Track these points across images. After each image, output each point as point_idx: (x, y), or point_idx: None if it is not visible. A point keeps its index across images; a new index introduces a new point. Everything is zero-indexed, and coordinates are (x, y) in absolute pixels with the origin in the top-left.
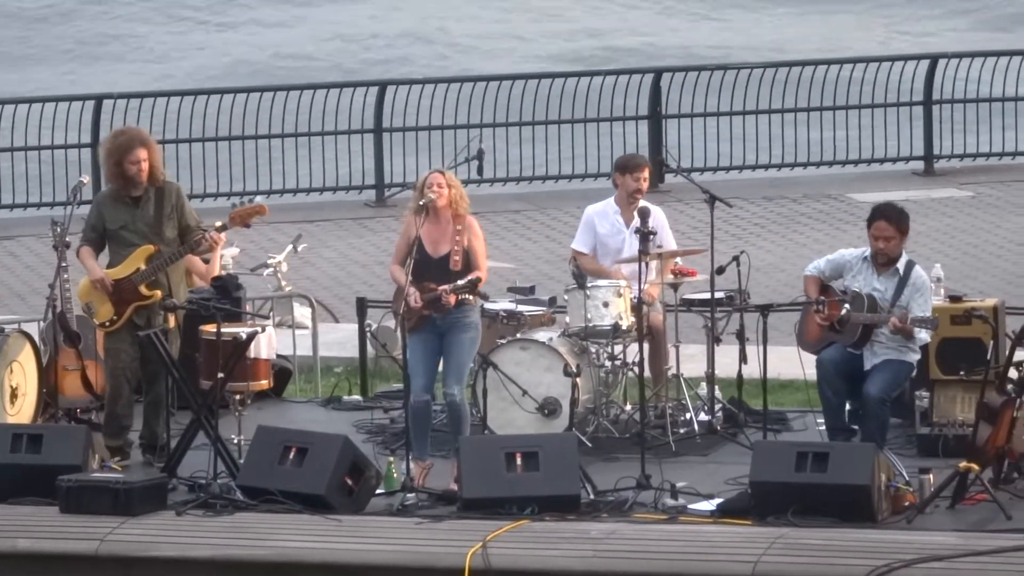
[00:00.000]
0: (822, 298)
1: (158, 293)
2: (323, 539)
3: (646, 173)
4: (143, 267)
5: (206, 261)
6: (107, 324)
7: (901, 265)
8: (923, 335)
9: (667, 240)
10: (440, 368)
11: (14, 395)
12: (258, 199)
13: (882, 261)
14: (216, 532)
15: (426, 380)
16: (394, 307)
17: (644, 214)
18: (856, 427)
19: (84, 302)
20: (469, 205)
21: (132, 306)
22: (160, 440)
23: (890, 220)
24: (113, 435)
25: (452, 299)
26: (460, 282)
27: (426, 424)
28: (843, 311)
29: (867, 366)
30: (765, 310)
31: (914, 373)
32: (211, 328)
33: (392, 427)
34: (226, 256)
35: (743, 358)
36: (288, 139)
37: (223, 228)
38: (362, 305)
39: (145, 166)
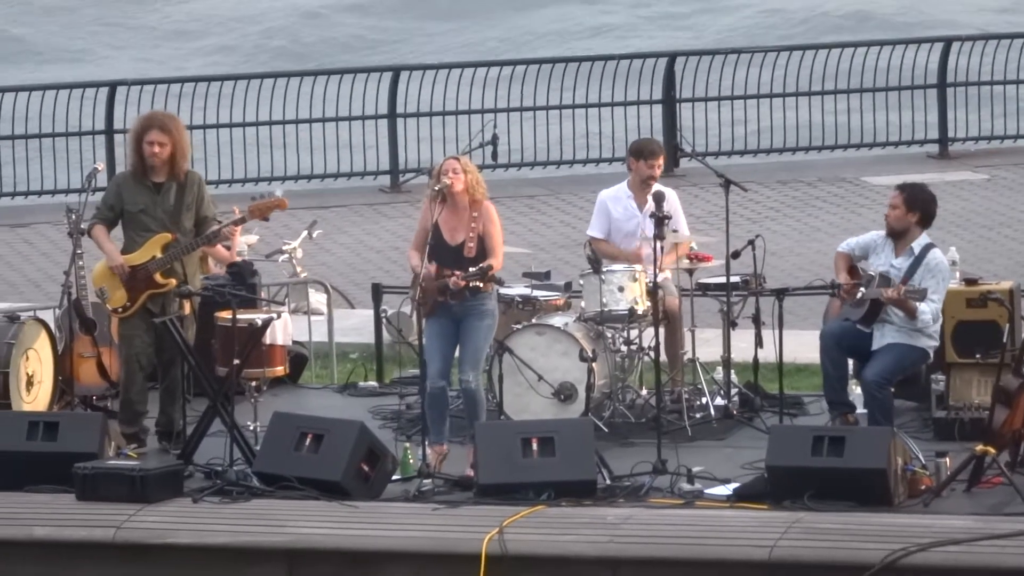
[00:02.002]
0: (835, 281)
1: (172, 282)
2: (339, 525)
3: (660, 161)
4: (159, 255)
5: (227, 248)
6: (120, 310)
7: (918, 246)
8: (925, 317)
9: (680, 224)
10: (456, 354)
11: (30, 383)
12: (275, 187)
13: (887, 232)
14: (232, 519)
15: (442, 366)
16: (411, 293)
17: (659, 198)
18: (855, 405)
19: (98, 286)
20: (486, 190)
21: (146, 293)
22: (176, 427)
23: (902, 190)
24: (128, 422)
25: (461, 284)
26: (472, 270)
27: (442, 410)
28: (859, 294)
29: (874, 347)
30: (781, 294)
31: (930, 360)
32: (226, 315)
33: (408, 413)
34: (242, 243)
35: (759, 342)
36: (303, 125)
37: (241, 221)
38: (377, 291)
39: (159, 150)
